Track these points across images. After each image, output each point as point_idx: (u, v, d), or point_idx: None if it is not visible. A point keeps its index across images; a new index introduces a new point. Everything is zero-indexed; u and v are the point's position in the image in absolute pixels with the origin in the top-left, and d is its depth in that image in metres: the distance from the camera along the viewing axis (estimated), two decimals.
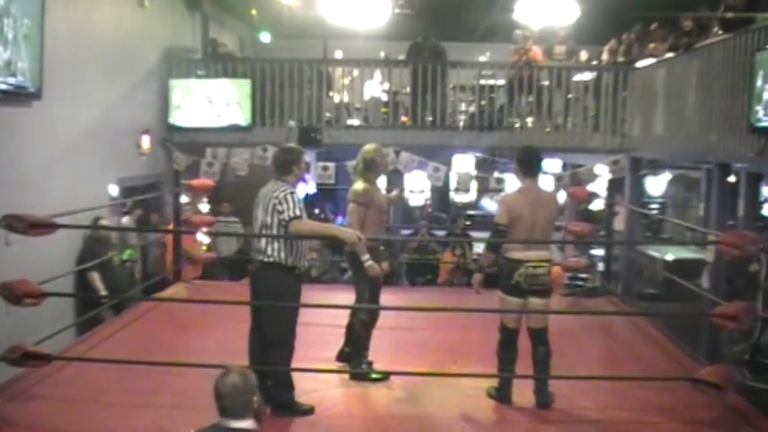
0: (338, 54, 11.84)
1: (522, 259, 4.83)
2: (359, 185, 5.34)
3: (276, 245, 4.56)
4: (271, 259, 4.57)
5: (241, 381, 2.94)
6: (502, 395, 5.00)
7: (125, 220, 9.00)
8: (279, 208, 4.54)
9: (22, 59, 6.14)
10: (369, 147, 5.52)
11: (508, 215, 4.87)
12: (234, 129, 10.10)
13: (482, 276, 5.14)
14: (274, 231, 4.57)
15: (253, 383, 2.99)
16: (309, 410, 4.69)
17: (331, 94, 10.75)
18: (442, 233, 12.28)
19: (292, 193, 4.62)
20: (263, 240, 4.57)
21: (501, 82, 10.65)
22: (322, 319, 5.90)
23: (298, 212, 4.55)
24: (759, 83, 6.31)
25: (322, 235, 5.43)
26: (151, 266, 9.31)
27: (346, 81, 11.01)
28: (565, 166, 11.24)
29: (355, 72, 11.10)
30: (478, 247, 10.94)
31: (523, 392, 5.01)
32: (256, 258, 4.64)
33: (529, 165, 5.01)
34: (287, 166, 4.72)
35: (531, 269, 4.82)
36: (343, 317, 5.69)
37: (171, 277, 8.67)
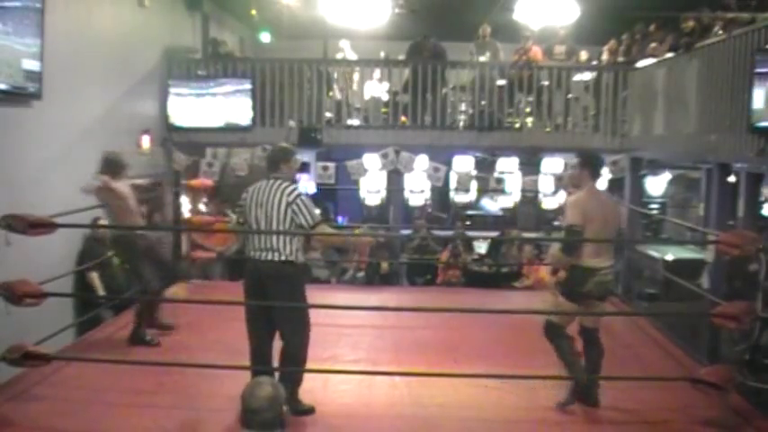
0: (344, 43, 11.77)
1: (594, 267, 4.73)
2: None
3: (294, 245, 4.64)
4: (291, 258, 4.63)
5: (275, 393, 2.88)
6: (588, 395, 4.84)
7: None
8: (294, 208, 4.60)
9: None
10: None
11: (582, 216, 4.73)
12: (234, 129, 10.08)
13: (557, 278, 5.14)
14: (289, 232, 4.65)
15: (282, 393, 2.94)
16: (309, 410, 4.70)
17: (330, 94, 10.75)
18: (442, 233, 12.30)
19: (301, 193, 4.69)
20: (279, 239, 4.59)
21: (501, 82, 10.66)
22: (322, 319, 5.89)
23: (318, 216, 4.73)
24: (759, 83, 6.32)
25: (340, 244, 5.47)
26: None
27: (356, 77, 11.01)
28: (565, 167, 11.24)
29: (356, 74, 11.11)
30: (479, 248, 10.99)
31: (531, 390, 5.02)
32: (266, 258, 4.62)
33: (597, 168, 4.96)
34: (275, 164, 4.77)
35: (602, 277, 4.76)
36: (343, 317, 5.70)
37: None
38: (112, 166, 6.11)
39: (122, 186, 6.11)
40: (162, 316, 6.52)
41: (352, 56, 11.68)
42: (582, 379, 4.85)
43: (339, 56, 11.65)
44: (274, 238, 4.60)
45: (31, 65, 6.24)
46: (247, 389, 2.89)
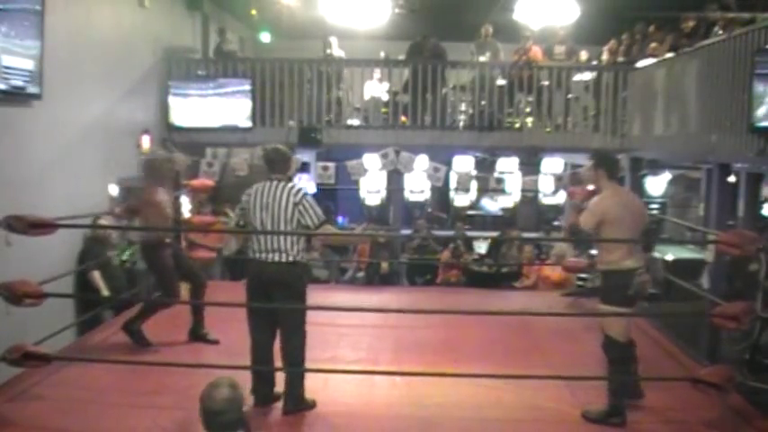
0: (333, 40, 11.72)
1: (632, 268, 4.58)
2: None
3: (299, 245, 4.68)
4: (298, 258, 4.67)
5: (232, 394, 2.82)
6: (618, 410, 4.65)
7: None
8: (300, 209, 4.62)
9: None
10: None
11: (596, 220, 4.60)
12: (234, 129, 10.10)
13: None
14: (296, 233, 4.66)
15: (241, 393, 2.89)
16: (311, 405, 4.74)
17: (330, 94, 10.74)
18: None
19: (306, 193, 4.71)
20: (286, 240, 4.61)
21: (501, 82, 10.66)
22: (322, 320, 5.90)
23: (323, 215, 4.73)
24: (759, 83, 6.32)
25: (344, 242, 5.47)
26: None
27: (346, 75, 11.01)
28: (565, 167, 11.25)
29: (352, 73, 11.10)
30: (479, 248, 10.99)
31: (531, 390, 5.02)
32: (273, 260, 4.63)
33: (612, 166, 4.81)
34: (274, 165, 4.77)
35: (639, 277, 4.61)
36: (343, 317, 5.69)
37: None
38: (153, 171, 5.94)
39: (161, 193, 5.90)
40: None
41: (339, 53, 11.68)
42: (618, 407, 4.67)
43: (326, 52, 11.62)
44: (281, 239, 4.60)
45: (10, 61, 6.06)
46: (205, 391, 2.83)
